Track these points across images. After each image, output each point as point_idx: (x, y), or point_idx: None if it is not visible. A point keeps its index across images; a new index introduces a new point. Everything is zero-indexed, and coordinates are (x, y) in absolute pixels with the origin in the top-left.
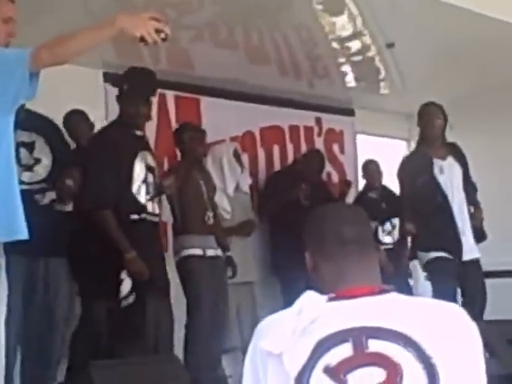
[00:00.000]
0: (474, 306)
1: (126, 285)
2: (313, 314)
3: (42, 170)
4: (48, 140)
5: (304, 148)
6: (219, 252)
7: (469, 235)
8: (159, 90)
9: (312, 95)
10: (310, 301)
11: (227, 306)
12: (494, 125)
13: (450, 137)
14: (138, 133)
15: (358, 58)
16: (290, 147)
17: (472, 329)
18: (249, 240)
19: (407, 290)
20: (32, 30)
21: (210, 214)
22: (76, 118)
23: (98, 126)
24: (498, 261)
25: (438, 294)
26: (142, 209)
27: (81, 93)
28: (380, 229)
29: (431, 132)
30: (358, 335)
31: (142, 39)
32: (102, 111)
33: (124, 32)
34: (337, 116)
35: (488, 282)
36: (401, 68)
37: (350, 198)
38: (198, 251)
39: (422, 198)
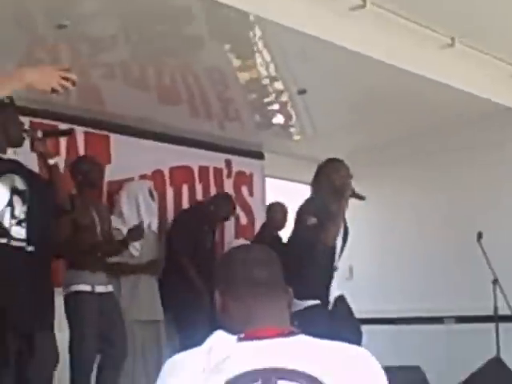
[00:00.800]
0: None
1: None
2: (223, 353)
3: None
4: None
5: (213, 189)
6: (110, 288)
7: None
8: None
9: (222, 137)
10: (220, 340)
11: (122, 342)
12: (405, 172)
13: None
14: (5, 156)
15: (271, 102)
16: (199, 188)
17: (378, 371)
18: (156, 278)
19: None
20: None
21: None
22: None
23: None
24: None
25: None
26: (4, 233)
27: None
28: None
29: (339, 187)
30: (268, 376)
31: (54, 90)
32: None
33: (33, 86)
34: (247, 159)
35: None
36: (312, 114)
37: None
38: (87, 287)
39: (307, 242)
